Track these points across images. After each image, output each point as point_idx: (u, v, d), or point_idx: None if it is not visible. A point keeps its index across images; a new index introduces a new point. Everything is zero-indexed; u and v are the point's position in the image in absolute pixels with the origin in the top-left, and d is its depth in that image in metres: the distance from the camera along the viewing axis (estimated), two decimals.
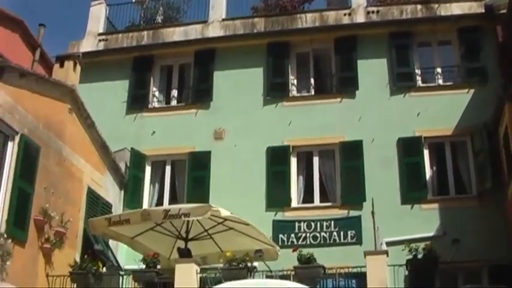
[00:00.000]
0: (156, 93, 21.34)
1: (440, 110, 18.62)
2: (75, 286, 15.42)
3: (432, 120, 18.53)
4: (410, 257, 14.37)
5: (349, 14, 20.61)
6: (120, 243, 17.31)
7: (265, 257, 15.36)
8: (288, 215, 18.37)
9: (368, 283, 13.88)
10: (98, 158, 18.34)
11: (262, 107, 20.03)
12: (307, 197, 18.92)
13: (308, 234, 17.84)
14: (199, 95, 20.66)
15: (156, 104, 21.25)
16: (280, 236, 17.83)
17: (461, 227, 16.87)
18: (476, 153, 18.01)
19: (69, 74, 17.53)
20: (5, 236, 14.09)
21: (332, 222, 17.92)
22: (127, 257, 17.77)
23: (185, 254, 15.17)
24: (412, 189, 18.07)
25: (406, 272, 14.71)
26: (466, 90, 18.89)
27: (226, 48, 20.95)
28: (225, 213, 14.28)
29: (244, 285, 5.63)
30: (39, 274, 15.34)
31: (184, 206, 15.16)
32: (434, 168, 18.65)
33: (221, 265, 14.79)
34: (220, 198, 17.19)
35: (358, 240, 17.48)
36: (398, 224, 17.16)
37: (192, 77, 21.17)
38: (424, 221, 17.28)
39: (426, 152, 18.61)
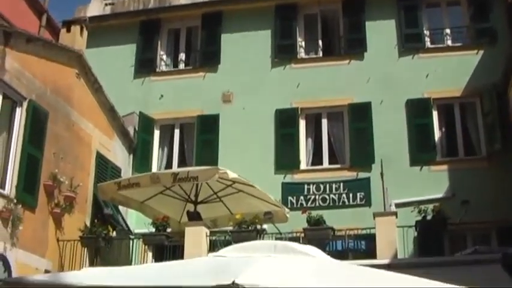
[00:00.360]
0: (164, 57, 21.24)
1: (449, 71, 18.48)
2: (85, 250, 15.53)
3: (441, 82, 18.40)
4: (419, 218, 14.39)
5: None
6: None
7: (275, 219, 15.44)
8: (297, 178, 18.38)
9: (377, 244, 13.93)
10: (106, 123, 18.35)
11: (270, 69, 19.92)
12: (316, 159, 18.90)
13: (317, 197, 17.86)
14: (207, 58, 20.55)
15: (163, 68, 21.16)
16: (290, 198, 17.86)
17: (470, 188, 16.84)
18: (485, 114, 17.89)
19: (76, 39, 17.47)
20: (15, 201, 14.17)
21: (341, 184, 17.92)
22: (137, 221, 17.85)
23: (195, 217, 15.24)
24: (421, 151, 18.01)
25: (415, 234, 14.75)
26: (475, 51, 18.70)
27: (234, 11, 20.76)
28: (232, 175, 14.30)
29: (253, 246, 5.64)
30: (50, 239, 15.45)
31: (193, 169, 15.20)
32: (443, 129, 18.57)
33: (231, 228, 14.89)
34: (229, 161, 17.18)
35: (367, 202, 17.48)
36: (407, 186, 17.15)
37: (199, 40, 21.05)
38: (433, 183, 17.25)
39: (435, 114, 18.51)
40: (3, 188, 14.30)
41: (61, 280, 4.56)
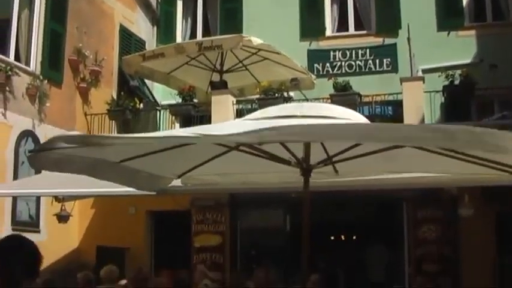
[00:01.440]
0: None
1: None
2: (113, 123, 15.70)
3: None
4: (447, 83, 14.25)
5: None
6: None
7: (301, 86, 15.40)
8: (323, 44, 18.11)
9: (404, 110, 13.90)
10: None
11: None
12: (342, 25, 18.55)
13: (343, 63, 17.67)
14: None
15: None
16: (315, 65, 17.67)
17: (498, 53, 16.49)
18: None
19: None
20: (41, 78, 14.25)
21: (367, 50, 17.67)
22: (163, 93, 17.92)
23: (218, 87, 15.25)
24: (449, 16, 17.54)
25: (442, 99, 14.66)
26: None
27: None
28: (257, 41, 14.17)
29: (279, 109, 5.62)
30: (77, 114, 15.63)
31: (217, 38, 15.10)
32: None
33: (257, 96, 14.89)
34: (253, 30, 16.88)
35: (394, 68, 17.28)
36: (434, 51, 16.84)
37: None
38: (461, 48, 16.90)
39: None
40: (29, 65, 14.36)
41: (94, 139, 4.58)
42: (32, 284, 3.79)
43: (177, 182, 7.26)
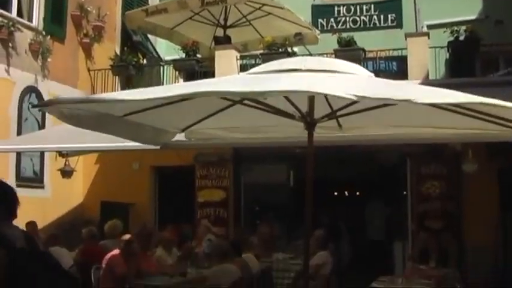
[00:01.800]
0: None
1: None
2: (117, 79, 15.67)
3: None
4: (452, 39, 14.14)
5: None
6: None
7: (305, 41, 15.30)
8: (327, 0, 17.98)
9: (409, 65, 13.82)
10: None
11: None
12: None
13: (348, 19, 17.48)
14: None
15: None
16: (320, 20, 17.47)
17: (504, 9, 16.31)
18: None
19: None
20: (43, 33, 14.19)
21: (372, 5, 17.45)
22: (166, 48, 17.82)
23: (222, 42, 15.18)
24: None
25: (447, 55, 14.56)
26: None
27: None
28: None
29: (283, 63, 5.57)
30: (81, 69, 15.59)
31: None
32: None
33: (261, 51, 14.81)
34: None
35: (399, 24, 17.09)
36: (440, 7, 16.62)
37: None
38: (466, 4, 16.68)
39: None
40: (31, 21, 14.30)
41: (99, 97, 4.54)
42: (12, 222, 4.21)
43: (181, 137, 7.27)
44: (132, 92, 3.95)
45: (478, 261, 12.35)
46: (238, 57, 14.72)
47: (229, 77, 5.96)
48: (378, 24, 17.31)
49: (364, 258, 14.26)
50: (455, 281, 9.66)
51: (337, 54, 13.92)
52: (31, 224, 11.77)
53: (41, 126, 14.19)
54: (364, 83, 5.11)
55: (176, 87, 4.97)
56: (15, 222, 4.27)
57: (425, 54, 13.85)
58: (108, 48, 16.19)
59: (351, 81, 5.04)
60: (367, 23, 17.37)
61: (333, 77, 5.12)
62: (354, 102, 5.65)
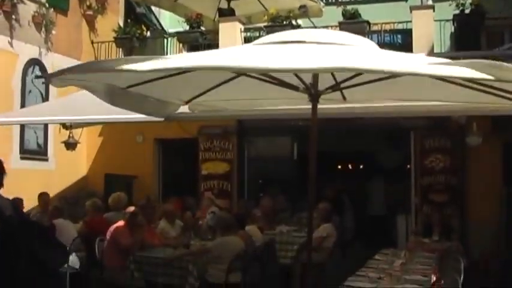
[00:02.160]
0: None
1: None
2: (120, 51, 15.61)
3: None
4: (457, 12, 14.05)
5: None
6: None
7: (309, 13, 15.19)
8: None
9: (413, 38, 13.74)
10: None
11: None
12: None
13: None
14: None
15: None
16: None
17: None
18: None
19: None
20: (47, 5, 14.14)
21: None
22: (170, 21, 17.72)
23: (226, 14, 15.09)
24: None
25: (452, 29, 14.46)
26: None
27: None
28: None
29: (288, 34, 5.52)
30: (84, 41, 15.55)
31: None
32: None
33: (265, 24, 14.73)
34: None
35: None
36: None
37: None
38: None
39: None
40: None
41: (107, 64, 4.46)
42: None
43: (184, 109, 7.24)
44: (140, 59, 3.85)
45: (480, 234, 12.38)
46: (242, 30, 14.65)
47: (234, 49, 5.88)
48: None
49: (367, 232, 14.29)
50: (458, 255, 9.68)
51: (342, 27, 13.84)
52: (44, 195, 11.84)
53: (45, 98, 14.18)
54: (370, 55, 5.07)
55: (189, 57, 4.89)
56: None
57: (430, 28, 13.76)
58: (112, 21, 16.12)
59: (357, 53, 5.00)
60: None
61: (339, 49, 5.08)
62: (358, 74, 5.62)
